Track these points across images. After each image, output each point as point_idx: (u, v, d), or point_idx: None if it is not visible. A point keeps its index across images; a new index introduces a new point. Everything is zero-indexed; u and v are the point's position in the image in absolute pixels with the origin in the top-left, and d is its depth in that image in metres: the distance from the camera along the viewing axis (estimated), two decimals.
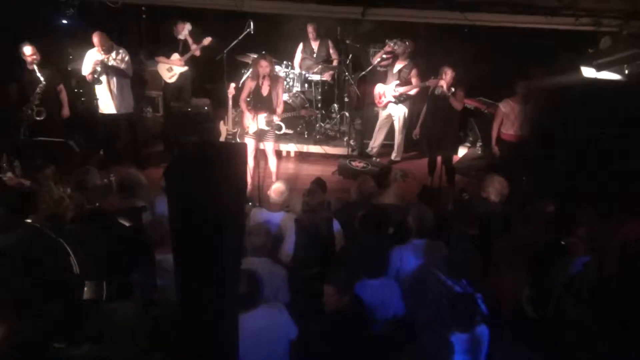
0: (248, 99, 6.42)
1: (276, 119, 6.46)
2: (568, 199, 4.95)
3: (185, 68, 7.86)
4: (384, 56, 7.60)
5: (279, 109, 6.44)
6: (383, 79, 7.67)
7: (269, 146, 6.64)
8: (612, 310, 2.93)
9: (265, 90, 6.34)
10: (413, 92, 7.40)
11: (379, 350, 3.45)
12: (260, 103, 6.31)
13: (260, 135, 6.45)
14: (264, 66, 6.19)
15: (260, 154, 6.64)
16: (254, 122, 6.31)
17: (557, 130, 6.28)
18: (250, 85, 6.36)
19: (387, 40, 7.60)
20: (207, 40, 7.67)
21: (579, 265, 3.79)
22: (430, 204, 4.81)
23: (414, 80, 7.32)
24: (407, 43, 7.38)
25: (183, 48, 7.74)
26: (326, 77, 8.11)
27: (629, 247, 3.36)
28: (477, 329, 3.37)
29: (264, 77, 6.26)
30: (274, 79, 6.40)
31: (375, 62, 7.72)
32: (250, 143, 6.44)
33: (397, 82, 7.40)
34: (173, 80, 7.90)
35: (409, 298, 4.00)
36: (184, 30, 7.68)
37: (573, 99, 5.97)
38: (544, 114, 6.26)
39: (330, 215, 4.69)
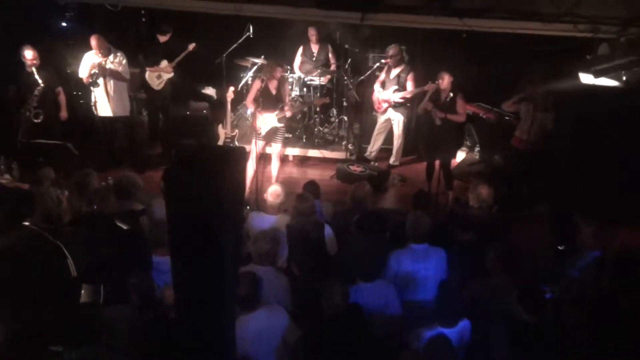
0: (257, 99, 6.49)
1: (288, 114, 6.63)
2: (568, 204, 4.96)
3: (172, 74, 7.66)
4: (382, 61, 7.62)
5: (287, 106, 6.62)
6: (381, 84, 7.69)
7: (276, 148, 6.77)
8: (609, 315, 2.93)
9: (273, 89, 6.51)
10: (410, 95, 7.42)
11: (378, 353, 3.46)
12: (270, 102, 6.50)
13: (270, 136, 6.61)
14: (280, 72, 6.47)
15: (262, 158, 6.77)
16: (265, 123, 6.49)
17: (557, 136, 6.29)
18: (258, 85, 6.49)
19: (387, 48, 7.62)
20: (191, 46, 7.58)
21: (588, 260, 3.83)
22: (425, 209, 4.82)
23: (410, 84, 7.33)
24: (400, 47, 7.40)
25: (170, 55, 7.57)
26: (324, 80, 8.12)
27: (628, 252, 3.36)
28: (460, 324, 3.48)
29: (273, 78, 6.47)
30: (283, 79, 6.66)
31: (377, 72, 7.73)
32: (259, 145, 6.51)
33: (396, 87, 7.41)
34: (160, 87, 7.69)
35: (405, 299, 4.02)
36: (166, 38, 7.58)
37: (572, 104, 5.98)
38: (546, 120, 6.27)
39: (320, 221, 4.69)
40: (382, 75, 7.61)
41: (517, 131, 6.54)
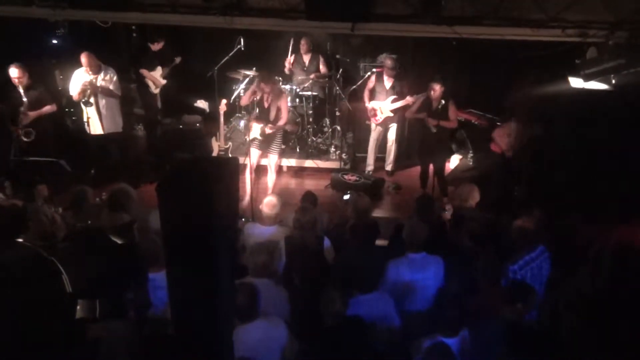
0: (252, 105, 6.72)
1: (268, 131, 6.65)
2: (563, 206, 4.99)
3: (165, 81, 8.15)
4: (374, 70, 7.66)
5: (281, 122, 6.66)
6: (373, 94, 7.70)
7: (272, 159, 6.86)
8: (606, 316, 2.93)
9: (265, 103, 6.63)
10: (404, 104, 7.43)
11: None
12: (262, 114, 6.66)
13: (263, 146, 6.73)
14: (264, 88, 6.49)
15: (258, 169, 6.85)
16: (252, 130, 6.65)
17: (548, 140, 6.33)
18: (255, 93, 6.59)
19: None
20: (178, 59, 8.14)
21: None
22: (428, 212, 4.81)
23: (408, 95, 7.33)
24: (394, 57, 7.43)
25: (164, 62, 8.09)
26: (316, 91, 8.14)
27: (621, 251, 3.38)
28: (461, 333, 3.46)
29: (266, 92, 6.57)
30: (276, 94, 6.64)
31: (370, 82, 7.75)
32: (254, 153, 6.70)
33: (394, 97, 7.41)
34: (157, 91, 8.18)
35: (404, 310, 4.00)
36: (158, 46, 8.04)
37: (561, 108, 6.03)
38: (535, 124, 6.32)
39: (320, 234, 4.67)
40: (371, 84, 7.61)
41: (500, 142, 6.58)
